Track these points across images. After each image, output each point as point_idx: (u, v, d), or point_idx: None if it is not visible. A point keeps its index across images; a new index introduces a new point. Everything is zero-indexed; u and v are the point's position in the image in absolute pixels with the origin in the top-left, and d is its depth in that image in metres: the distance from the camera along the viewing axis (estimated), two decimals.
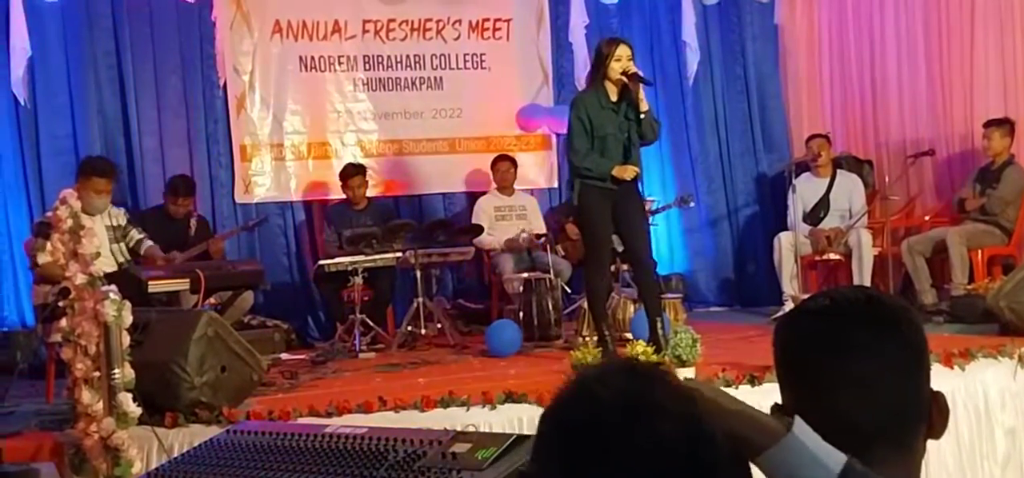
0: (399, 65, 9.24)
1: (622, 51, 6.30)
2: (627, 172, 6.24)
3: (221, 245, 8.08)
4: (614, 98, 6.35)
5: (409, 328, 7.76)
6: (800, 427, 1.40)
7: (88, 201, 6.56)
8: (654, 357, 5.33)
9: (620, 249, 6.94)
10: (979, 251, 7.99)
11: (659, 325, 6.21)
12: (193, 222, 8.04)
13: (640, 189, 6.43)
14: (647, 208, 7.15)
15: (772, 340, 1.61)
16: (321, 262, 8.06)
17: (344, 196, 8.62)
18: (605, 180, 6.27)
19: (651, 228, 7.54)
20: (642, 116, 6.27)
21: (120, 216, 7.23)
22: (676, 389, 1.19)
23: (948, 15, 9.07)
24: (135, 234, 7.21)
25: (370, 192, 8.88)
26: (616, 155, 6.30)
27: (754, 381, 5.23)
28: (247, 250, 8.72)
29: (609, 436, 1.15)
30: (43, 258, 4.83)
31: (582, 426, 1.17)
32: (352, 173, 8.53)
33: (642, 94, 6.30)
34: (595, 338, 6.45)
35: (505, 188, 8.95)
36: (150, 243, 7.28)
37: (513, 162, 9.00)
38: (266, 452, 2.66)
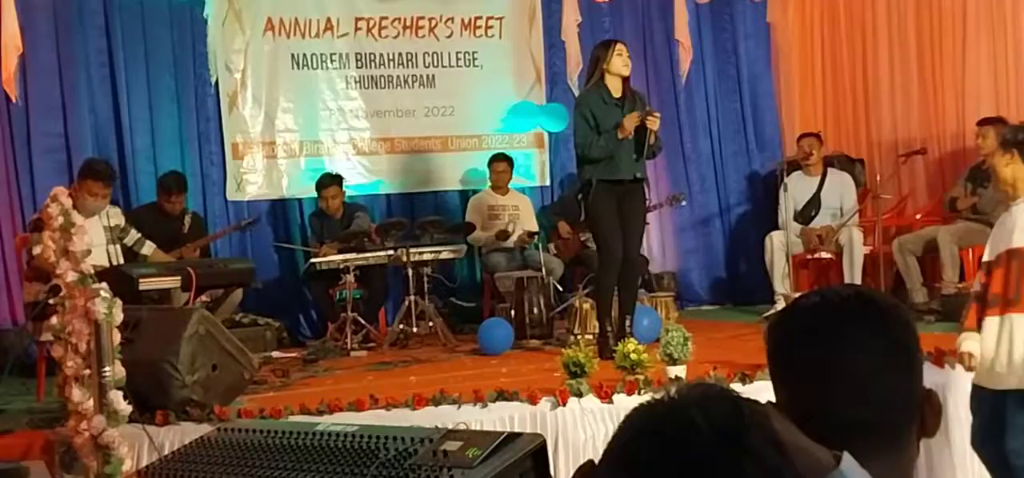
0: (391, 63, 9.23)
1: (621, 47, 6.56)
2: (632, 120, 6.34)
3: (194, 255, 7.99)
4: (617, 94, 6.45)
5: (401, 326, 7.75)
6: (848, 462, 1.40)
7: (82, 203, 6.49)
8: (645, 354, 5.34)
9: None
10: (970, 250, 7.98)
11: (627, 322, 6.46)
12: (187, 219, 8.01)
13: (645, 191, 6.58)
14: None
15: (765, 338, 1.61)
16: (312, 260, 8.05)
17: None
18: (612, 158, 6.36)
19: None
20: (650, 143, 6.44)
21: (118, 216, 7.15)
22: (772, 440, 1.16)
23: (940, 14, 9.08)
24: (134, 234, 7.16)
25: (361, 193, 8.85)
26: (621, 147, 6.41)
27: (745, 379, 5.23)
28: (238, 248, 8.70)
29: (693, 466, 1.12)
30: (37, 249, 4.82)
31: (668, 447, 1.14)
32: (327, 183, 8.41)
33: (653, 138, 6.45)
34: (589, 336, 6.51)
35: (500, 187, 8.95)
36: (152, 246, 7.22)
37: (510, 162, 8.98)
38: (257, 450, 2.66)
